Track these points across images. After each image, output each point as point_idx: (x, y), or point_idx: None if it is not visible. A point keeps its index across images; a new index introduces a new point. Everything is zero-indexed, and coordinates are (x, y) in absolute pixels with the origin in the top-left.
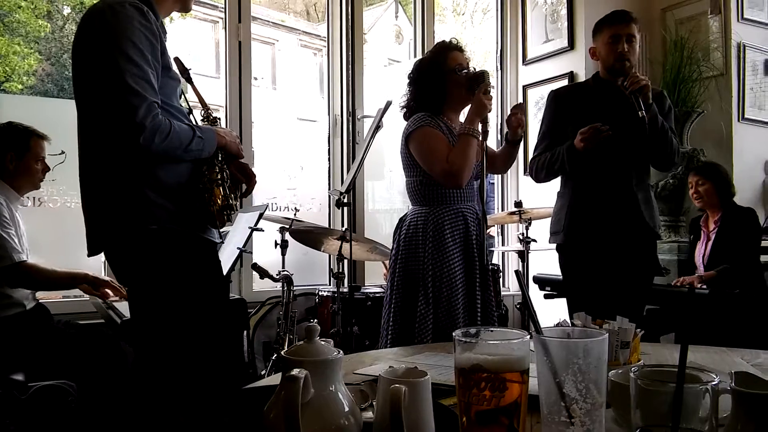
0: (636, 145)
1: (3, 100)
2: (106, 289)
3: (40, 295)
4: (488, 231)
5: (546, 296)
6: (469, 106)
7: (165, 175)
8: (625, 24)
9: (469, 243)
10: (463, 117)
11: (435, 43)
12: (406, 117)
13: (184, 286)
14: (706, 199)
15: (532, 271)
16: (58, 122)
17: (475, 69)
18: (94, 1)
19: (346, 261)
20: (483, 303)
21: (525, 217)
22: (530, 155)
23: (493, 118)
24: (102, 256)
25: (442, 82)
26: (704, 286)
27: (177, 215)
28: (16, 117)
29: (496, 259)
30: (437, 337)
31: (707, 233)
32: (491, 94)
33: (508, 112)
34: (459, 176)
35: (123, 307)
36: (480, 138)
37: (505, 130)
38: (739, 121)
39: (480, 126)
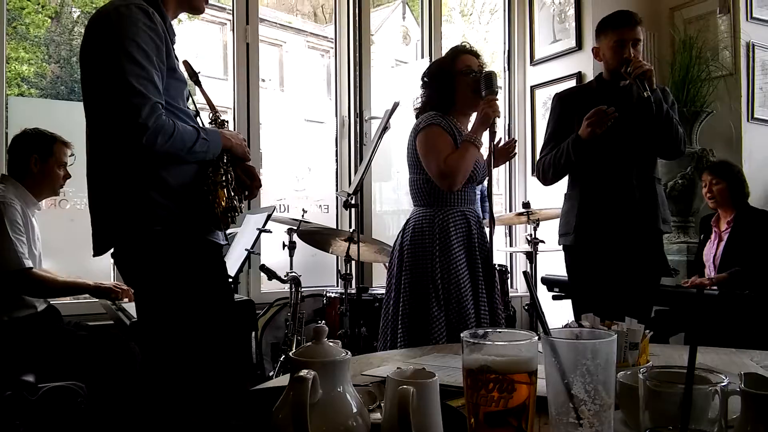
0: (640, 137)
1: (14, 103)
2: (117, 292)
3: None
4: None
5: (554, 297)
6: (477, 112)
7: (170, 176)
8: (631, 28)
9: (471, 245)
10: (472, 120)
11: (441, 44)
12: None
13: (189, 288)
14: (719, 198)
15: (540, 273)
16: (68, 124)
17: (482, 71)
18: (103, 3)
19: (353, 262)
20: (489, 304)
21: (533, 218)
22: (537, 157)
23: (500, 120)
24: (111, 258)
25: (451, 84)
26: (714, 288)
27: (181, 217)
28: (27, 119)
29: (504, 260)
30: (451, 339)
31: (719, 233)
32: (497, 96)
33: (515, 114)
34: (452, 179)
35: (132, 308)
36: (481, 147)
37: (513, 134)
38: (748, 120)
39: (487, 132)
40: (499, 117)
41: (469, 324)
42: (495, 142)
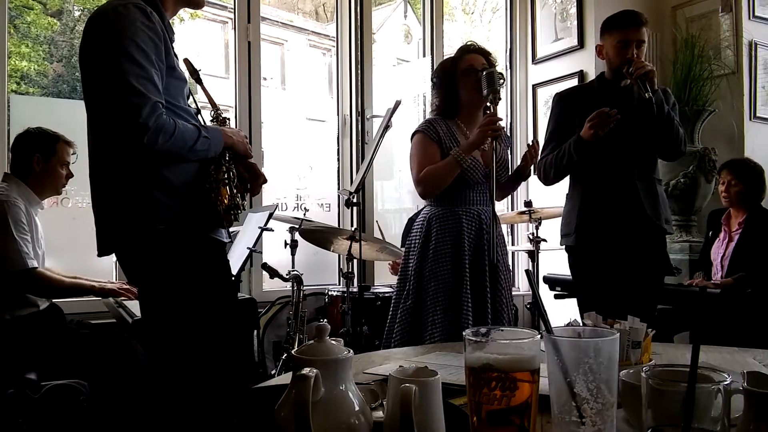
0: (641, 137)
1: (16, 102)
2: (121, 292)
3: None
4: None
5: (556, 296)
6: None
7: (172, 175)
8: (636, 29)
9: (459, 243)
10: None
11: (443, 42)
12: None
13: (192, 286)
14: (735, 199)
15: (543, 271)
16: (70, 123)
17: (486, 70)
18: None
19: (355, 261)
20: (492, 302)
21: (535, 216)
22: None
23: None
24: (113, 257)
25: (453, 85)
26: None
27: (184, 215)
28: (29, 118)
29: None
30: (411, 338)
31: (729, 232)
32: (501, 94)
33: (517, 112)
34: (423, 188)
35: (134, 306)
36: (465, 165)
37: (515, 133)
38: (750, 119)
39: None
40: (497, 135)
41: (436, 324)
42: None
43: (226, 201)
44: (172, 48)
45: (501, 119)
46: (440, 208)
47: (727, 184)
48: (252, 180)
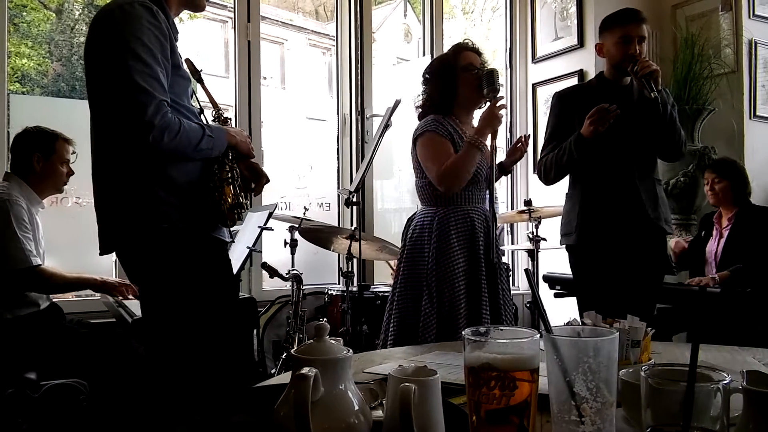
0: (641, 137)
1: (16, 101)
2: (122, 290)
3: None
4: (498, 230)
5: (556, 295)
6: (481, 113)
7: (176, 174)
8: (636, 24)
9: (474, 244)
10: (475, 118)
11: (443, 41)
12: (420, 117)
13: (194, 285)
14: (722, 196)
15: (542, 270)
16: (69, 122)
17: (485, 68)
18: (105, 1)
19: (355, 260)
20: (493, 302)
21: (535, 215)
22: (538, 155)
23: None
24: (113, 255)
25: (452, 80)
26: (716, 286)
27: (187, 214)
28: (29, 117)
29: (506, 258)
30: (440, 337)
31: (720, 230)
32: (501, 93)
33: (517, 112)
34: (451, 183)
35: (134, 305)
36: (484, 150)
37: (515, 133)
38: (750, 118)
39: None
40: (500, 119)
41: (460, 324)
42: (496, 141)
43: (230, 200)
44: (177, 47)
45: (504, 105)
46: (450, 208)
47: (710, 183)
48: (254, 180)
